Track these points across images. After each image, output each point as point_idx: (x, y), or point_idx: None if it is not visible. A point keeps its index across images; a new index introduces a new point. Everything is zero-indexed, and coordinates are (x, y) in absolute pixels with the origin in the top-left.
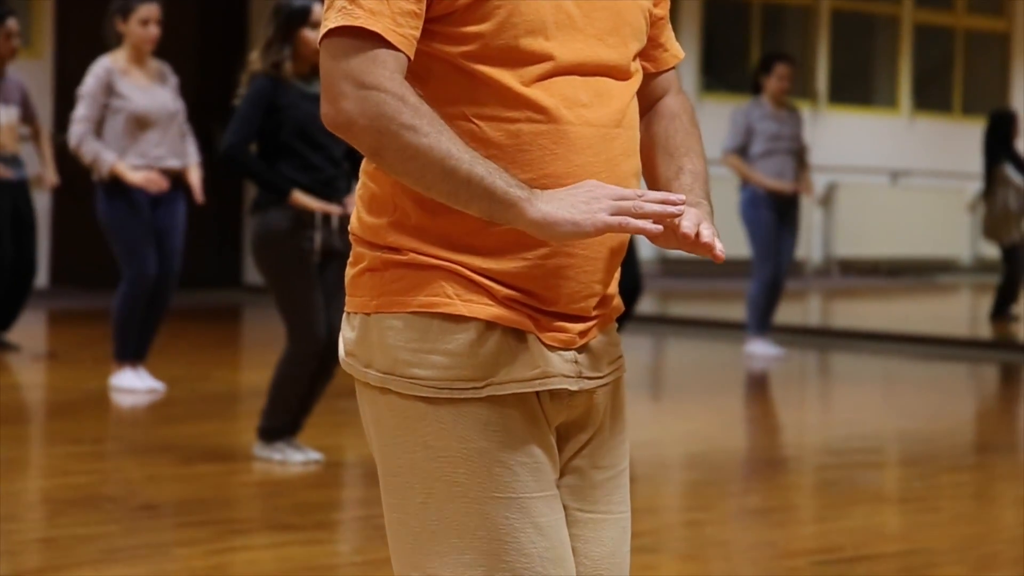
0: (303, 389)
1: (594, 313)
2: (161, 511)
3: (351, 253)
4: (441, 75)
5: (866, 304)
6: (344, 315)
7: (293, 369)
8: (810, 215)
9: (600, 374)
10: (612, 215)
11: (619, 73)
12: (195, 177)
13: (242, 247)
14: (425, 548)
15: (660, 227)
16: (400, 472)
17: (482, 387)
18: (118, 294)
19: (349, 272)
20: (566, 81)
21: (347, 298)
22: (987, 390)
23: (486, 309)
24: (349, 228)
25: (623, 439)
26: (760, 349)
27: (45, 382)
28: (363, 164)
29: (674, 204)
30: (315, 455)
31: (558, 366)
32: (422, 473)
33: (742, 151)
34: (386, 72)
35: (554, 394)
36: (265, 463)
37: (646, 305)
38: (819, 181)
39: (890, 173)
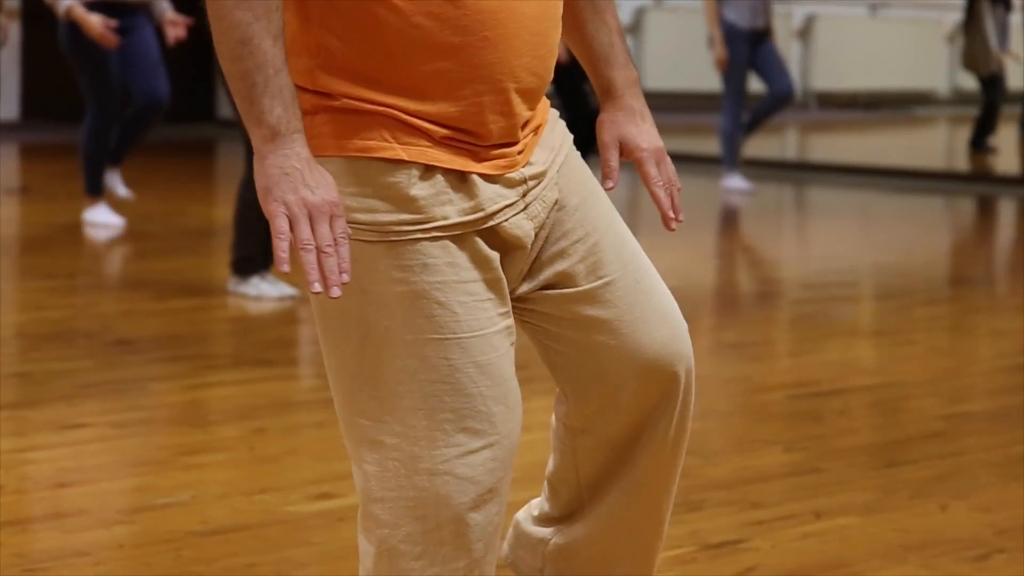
0: None
1: (527, 131)
2: (136, 346)
3: None
4: None
5: (843, 137)
6: None
7: (255, 192)
8: (788, 48)
9: (546, 171)
10: (283, 222)
11: None
12: (171, 17)
13: (216, 81)
14: (364, 393)
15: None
16: (334, 316)
17: (422, 228)
18: (84, 128)
19: None
20: None
21: None
22: (963, 223)
23: (425, 152)
24: None
25: (597, 202)
26: (735, 183)
27: (18, 216)
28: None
29: (328, 289)
30: (289, 290)
31: (504, 196)
32: (357, 318)
33: None
34: None
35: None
36: (239, 298)
37: None
38: (797, 13)
39: (868, 4)
